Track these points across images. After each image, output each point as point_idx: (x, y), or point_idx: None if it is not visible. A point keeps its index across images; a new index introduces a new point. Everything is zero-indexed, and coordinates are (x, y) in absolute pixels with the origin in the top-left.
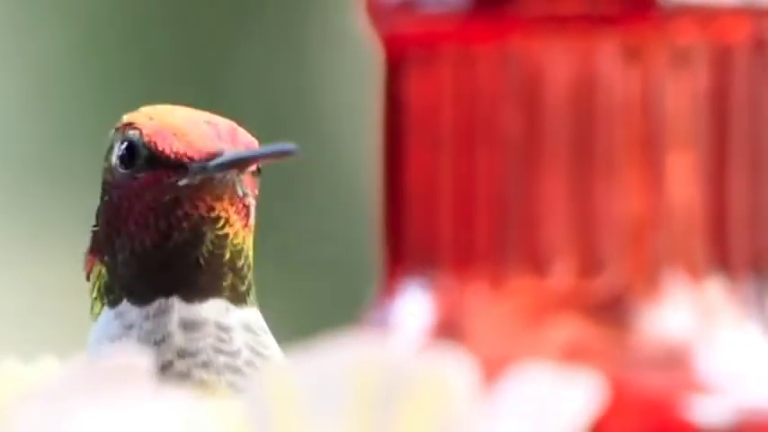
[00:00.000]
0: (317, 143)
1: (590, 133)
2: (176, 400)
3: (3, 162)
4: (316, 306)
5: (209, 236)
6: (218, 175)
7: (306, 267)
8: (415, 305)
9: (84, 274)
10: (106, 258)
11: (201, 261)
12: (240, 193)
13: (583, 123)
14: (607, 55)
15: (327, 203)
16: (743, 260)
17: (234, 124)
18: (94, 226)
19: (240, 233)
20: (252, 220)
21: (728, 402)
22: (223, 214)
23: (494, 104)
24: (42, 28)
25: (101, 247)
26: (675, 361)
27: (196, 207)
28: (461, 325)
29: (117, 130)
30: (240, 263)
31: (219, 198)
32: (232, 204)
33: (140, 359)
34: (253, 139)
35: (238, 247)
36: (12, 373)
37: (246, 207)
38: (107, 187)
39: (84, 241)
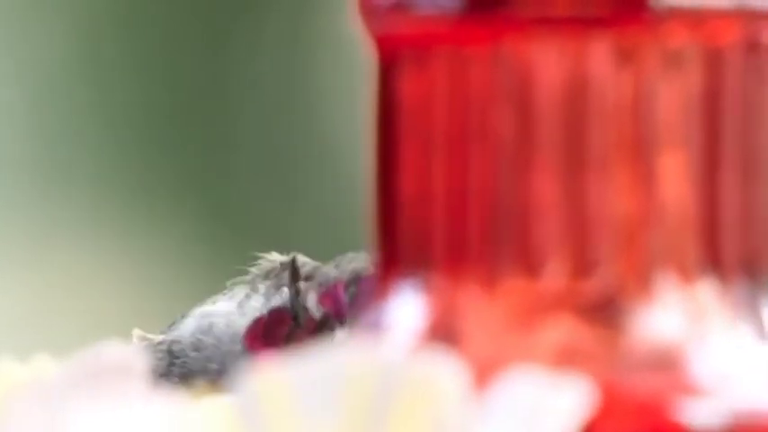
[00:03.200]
0: (315, 144)
1: (582, 134)
2: (169, 400)
3: (3, 163)
4: None
5: None
6: None
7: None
8: (407, 307)
9: (72, 279)
10: None
11: None
12: None
13: (575, 124)
14: (599, 56)
15: (323, 202)
16: (735, 262)
17: None
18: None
19: None
20: None
21: (721, 405)
22: None
23: (486, 105)
24: (42, 30)
25: None
26: (668, 363)
27: None
28: (454, 327)
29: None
30: None
31: None
32: None
33: (135, 358)
34: None
35: None
36: (5, 372)
37: None
38: None
39: (84, 242)
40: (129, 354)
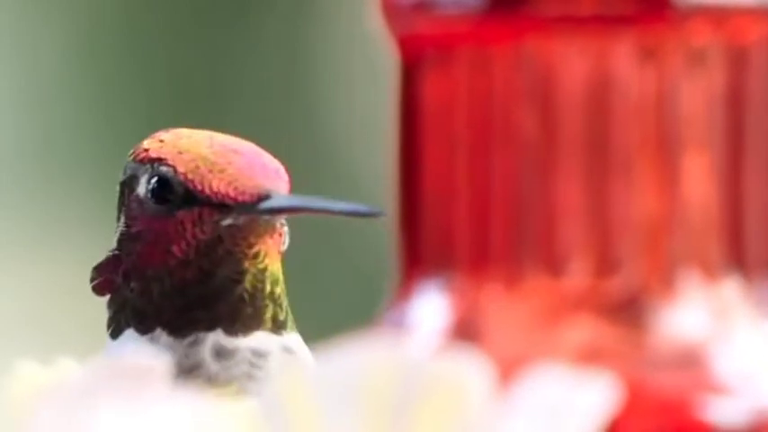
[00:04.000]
0: (313, 143)
1: (605, 133)
2: (192, 402)
3: (3, 163)
4: (333, 308)
5: (252, 270)
6: (263, 216)
7: (323, 269)
8: (431, 306)
9: (73, 279)
10: (133, 285)
11: (245, 296)
12: (278, 224)
13: (598, 123)
14: (622, 55)
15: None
16: (758, 260)
17: (261, 151)
18: (115, 250)
19: (276, 262)
20: (284, 246)
21: (744, 402)
22: (263, 249)
23: (510, 105)
24: (42, 29)
25: (127, 273)
26: (691, 361)
27: (238, 245)
28: (478, 326)
29: (140, 161)
30: (278, 291)
31: (261, 235)
32: (271, 237)
33: (157, 361)
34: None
35: (276, 276)
36: (29, 374)
37: (281, 235)
38: (133, 217)
39: (84, 242)
40: (151, 356)
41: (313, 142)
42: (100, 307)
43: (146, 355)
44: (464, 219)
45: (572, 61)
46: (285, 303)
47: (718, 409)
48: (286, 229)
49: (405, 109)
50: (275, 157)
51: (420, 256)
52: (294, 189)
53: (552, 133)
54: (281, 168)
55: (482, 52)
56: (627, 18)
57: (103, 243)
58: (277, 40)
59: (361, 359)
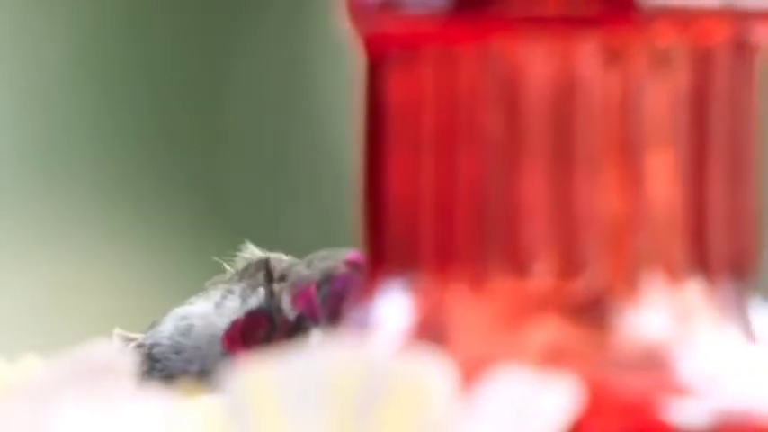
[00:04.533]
0: (310, 141)
1: (570, 134)
2: (156, 400)
3: (4, 162)
4: None
5: None
6: None
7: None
8: (395, 306)
9: (74, 278)
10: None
11: None
12: None
13: (563, 124)
14: (587, 56)
15: (318, 200)
16: (722, 262)
17: None
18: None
19: None
20: None
21: (708, 404)
22: None
23: (474, 104)
24: (43, 29)
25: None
26: (655, 363)
27: None
28: (442, 326)
29: None
30: None
31: None
32: None
33: (122, 358)
34: None
35: None
36: None
37: None
38: None
39: (85, 241)
40: (116, 353)
41: (313, 141)
42: (101, 306)
43: (111, 352)
44: (428, 218)
45: (537, 61)
46: None
47: (682, 411)
48: None
49: (369, 108)
50: (274, 156)
51: (384, 255)
52: (291, 187)
53: (517, 133)
54: None
55: (447, 52)
56: (592, 19)
57: (104, 242)
58: (277, 40)
59: (324, 358)
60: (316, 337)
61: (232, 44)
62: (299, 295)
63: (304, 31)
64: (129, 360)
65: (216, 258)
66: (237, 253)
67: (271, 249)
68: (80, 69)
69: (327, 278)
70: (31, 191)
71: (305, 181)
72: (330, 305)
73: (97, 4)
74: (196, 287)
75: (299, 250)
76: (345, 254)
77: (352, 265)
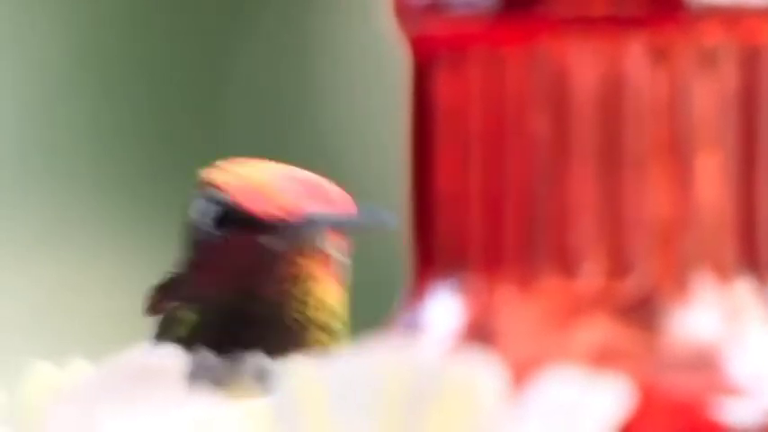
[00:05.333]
0: (310, 141)
1: (618, 134)
2: (205, 402)
3: (5, 162)
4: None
5: (295, 293)
6: (308, 237)
7: None
8: (444, 307)
9: (75, 278)
10: (195, 307)
11: (288, 320)
12: (328, 250)
13: (611, 124)
14: (634, 56)
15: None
16: None
17: (322, 180)
18: (175, 273)
19: (325, 288)
20: (344, 277)
21: (758, 403)
22: (307, 273)
23: (522, 106)
24: (44, 31)
25: (186, 295)
26: (705, 362)
27: (279, 267)
28: (491, 327)
29: (202, 188)
30: (324, 317)
31: (305, 258)
32: (320, 262)
33: (172, 360)
34: (342, 192)
35: (323, 302)
36: (43, 375)
37: (335, 263)
38: (193, 243)
39: (87, 241)
40: (165, 356)
41: (312, 141)
42: (102, 306)
43: (159, 355)
44: (477, 220)
45: (584, 62)
46: (339, 333)
47: (732, 410)
48: (343, 258)
49: (417, 110)
50: (274, 156)
51: (433, 257)
52: None
53: (565, 134)
54: (342, 195)
55: (494, 53)
56: (639, 19)
57: (105, 242)
58: (276, 40)
59: (374, 360)
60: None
61: (232, 44)
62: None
63: (303, 30)
64: (177, 363)
65: None
66: None
67: None
68: (80, 69)
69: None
70: (31, 191)
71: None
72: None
73: (97, 4)
74: None
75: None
76: None
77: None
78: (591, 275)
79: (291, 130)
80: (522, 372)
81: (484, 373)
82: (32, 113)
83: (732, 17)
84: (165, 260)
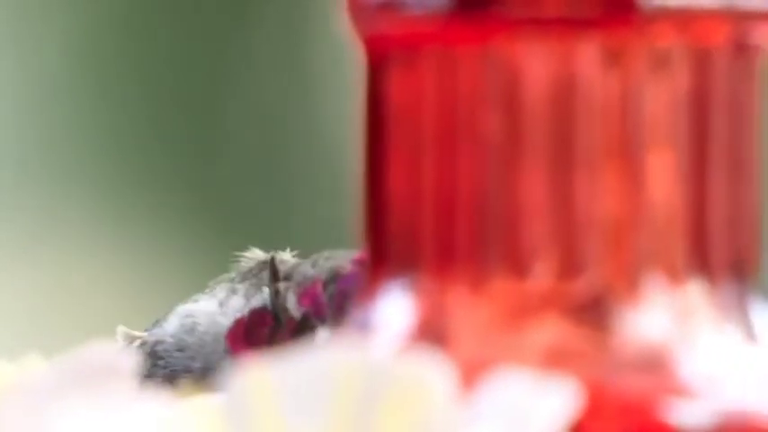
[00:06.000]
0: (308, 142)
1: (570, 135)
2: (157, 400)
3: (3, 163)
4: None
5: None
6: None
7: None
8: (395, 307)
9: (73, 279)
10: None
11: None
12: None
13: (563, 125)
14: (587, 57)
15: (317, 200)
16: (723, 262)
17: None
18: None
19: None
20: None
21: (709, 405)
22: None
23: (475, 106)
24: (42, 30)
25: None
26: (655, 363)
27: None
28: (442, 327)
29: None
30: None
31: None
32: None
33: (123, 358)
34: None
35: None
36: None
37: None
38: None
39: (85, 242)
40: (118, 354)
41: (312, 143)
42: (100, 307)
43: (112, 352)
44: (429, 219)
45: (537, 63)
46: None
47: (683, 411)
48: None
49: (370, 109)
50: (274, 156)
51: (385, 256)
52: (292, 189)
53: (517, 134)
54: None
55: (448, 53)
56: (592, 21)
57: (103, 243)
58: (276, 41)
59: (325, 359)
60: (322, 335)
61: (231, 45)
62: (305, 294)
63: (303, 32)
64: (130, 360)
65: (214, 259)
66: (235, 253)
67: (269, 250)
68: (79, 71)
69: (333, 277)
70: (29, 192)
71: (304, 183)
72: (336, 303)
73: (96, 5)
74: (194, 287)
75: (297, 251)
76: (350, 254)
77: (359, 263)
78: (542, 276)
79: (291, 131)
80: (472, 372)
81: (434, 373)
82: (30, 114)
83: (685, 19)
84: (161, 261)
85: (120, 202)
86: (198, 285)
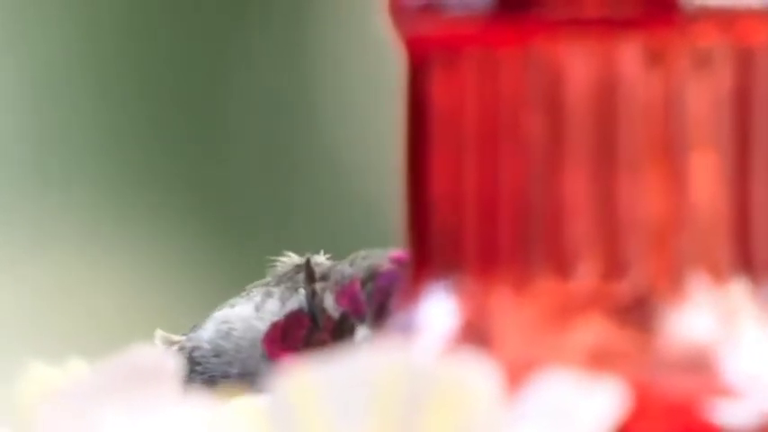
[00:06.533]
0: (314, 143)
1: (613, 135)
2: (201, 403)
3: (2, 163)
4: None
5: None
6: None
7: None
8: (439, 309)
9: (72, 280)
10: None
11: None
12: None
13: (606, 126)
14: (629, 58)
15: (324, 202)
16: (766, 261)
17: None
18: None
19: None
20: None
21: (753, 404)
22: None
23: (517, 107)
24: (42, 30)
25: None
26: (700, 364)
27: None
28: (486, 328)
29: None
30: None
31: None
32: None
33: (167, 361)
34: None
35: None
36: (39, 376)
37: None
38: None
39: (83, 242)
40: (162, 356)
41: (313, 144)
42: (100, 307)
43: (156, 356)
44: (472, 221)
45: (579, 63)
46: None
47: (727, 412)
48: None
49: (412, 111)
50: (274, 156)
51: (428, 258)
52: (292, 190)
53: (559, 135)
54: None
55: (489, 54)
56: (633, 21)
57: (102, 243)
58: (277, 43)
59: (369, 362)
60: (361, 334)
61: (231, 46)
62: (343, 293)
63: (304, 34)
64: (173, 364)
65: (214, 259)
66: (236, 254)
67: (270, 251)
68: (78, 71)
69: (372, 275)
70: (29, 192)
71: (304, 183)
72: (375, 302)
73: (95, 5)
74: (193, 287)
75: (300, 252)
76: (387, 253)
77: (397, 262)
78: (586, 276)
79: (291, 132)
80: (516, 374)
81: (478, 375)
82: (29, 114)
83: (727, 18)
84: (161, 262)
85: (120, 203)
86: (198, 285)
